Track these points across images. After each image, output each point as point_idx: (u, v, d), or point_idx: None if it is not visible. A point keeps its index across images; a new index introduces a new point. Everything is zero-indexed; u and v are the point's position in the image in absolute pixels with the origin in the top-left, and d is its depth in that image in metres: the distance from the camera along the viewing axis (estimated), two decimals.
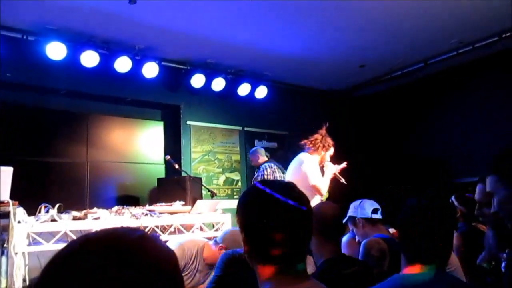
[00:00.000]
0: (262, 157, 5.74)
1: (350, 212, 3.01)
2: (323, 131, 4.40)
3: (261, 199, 1.23)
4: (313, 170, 4.16)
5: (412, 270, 1.50)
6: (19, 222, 3.24)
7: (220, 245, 3.15)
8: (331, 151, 4.39)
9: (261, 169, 5.54)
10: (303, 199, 1.25)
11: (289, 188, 1.27)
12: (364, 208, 3.01)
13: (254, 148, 5.97)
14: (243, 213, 1.26)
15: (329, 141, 4.37)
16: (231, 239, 3.14)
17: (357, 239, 3.02)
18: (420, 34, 5.58)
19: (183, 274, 3.08)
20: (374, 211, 2.99)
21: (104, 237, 0.68)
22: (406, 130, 7.36)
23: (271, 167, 5.54)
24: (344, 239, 3.13)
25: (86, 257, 0.64)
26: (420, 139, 7.13)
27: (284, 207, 1.20)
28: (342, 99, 7.98)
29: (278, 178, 5.39)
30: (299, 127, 7.43)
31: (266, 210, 1.20)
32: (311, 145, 4.34)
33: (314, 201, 4.03)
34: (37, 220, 3.33)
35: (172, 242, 3.29)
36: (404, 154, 7.13)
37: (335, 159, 4.43)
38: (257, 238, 1.22)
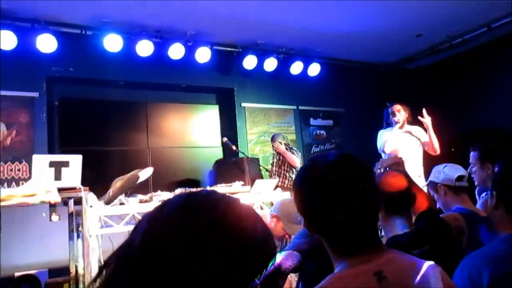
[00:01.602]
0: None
1: (432, 177, 2.70)
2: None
3: (316, 179, 1.14)
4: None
5: None
6: (91, 206, 3.44)
7: (272, 213, 3.14)
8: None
9: None
10: (362, 171, 1.16)
11: (345, 160, 1.18)
12: (448, 173, 2.67)
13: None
14: (301, 198, 1.18)
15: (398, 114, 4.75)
16: (281, 208, 3.14)
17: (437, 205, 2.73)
18: None
19: None
20: (459, 178, 2.64)
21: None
22: (468, 101, 6.99)
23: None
24: None
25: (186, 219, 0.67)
26: (484, 111, 6.74)
27: (342, 183, 1.12)
28: (398, 72, 7.71)
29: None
30: (354, 103, 7.33)
31: (324, 191, 1.12)
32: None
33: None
34: (107, 204, 3.51)
35: None
36: (467, 127, 6.81)
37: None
38: (320, 220, 1.14)
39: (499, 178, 1.56)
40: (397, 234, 1.85)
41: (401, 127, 4.72)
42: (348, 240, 1.12)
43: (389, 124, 4.81)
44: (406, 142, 4.69)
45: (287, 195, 4.30)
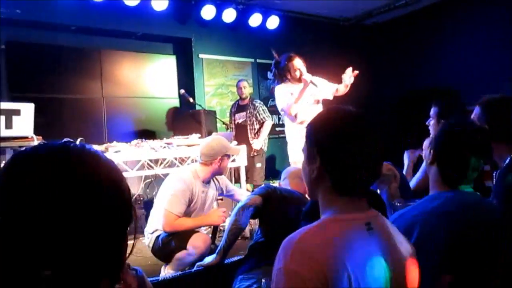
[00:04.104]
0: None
1: None
2: (276, 58, 4.27)
3: (339, 125, 1.20)
4: (277, 98, 4.17)
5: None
6: None
7: (219, 158, 3.34)
8: (297, 65, 4.11)
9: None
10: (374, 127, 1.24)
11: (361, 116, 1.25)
12: None
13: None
14: (320, 135, 1.22)
15: (290, 65, 4.13)
16: (221, 148, 3.35)
17: None
18: None
19: (193, 203, 3.25)
20: None
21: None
22: (419, 59, 7.23)
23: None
24: None
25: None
26: (434, 69, 7.00)
27: (356, 134, 1.19)
28: (355, 27, 7.81)
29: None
30: (312, 58, 7.34)
31: (348, 135, 1.18)
32: (276, 79, 4.29)
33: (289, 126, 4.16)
34: None
35: (171, 177, 3.37)
36: (417, 84, 7.08)
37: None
38: (331, 160, 1.19)
39: (437, 136, 1.68)
40: None
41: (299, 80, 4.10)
42: (355, 180, 1.18)
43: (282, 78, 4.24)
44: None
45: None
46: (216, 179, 3.56)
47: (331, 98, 4.17)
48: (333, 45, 7.40)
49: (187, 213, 3.24)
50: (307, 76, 3.97)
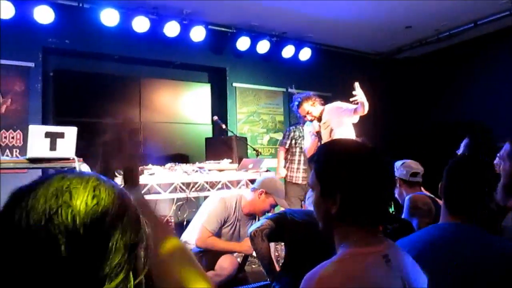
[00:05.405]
0: None
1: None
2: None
3: (356, 159, 1.22)
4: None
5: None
6: None
7: (260, 190, 3.37)
8: (306, 110, 4.44)
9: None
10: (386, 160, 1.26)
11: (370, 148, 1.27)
12: (403, 169, 3.04)
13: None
14: (340, 172, 1.21)
15: (300, 111, 4.50)
16: (270, 184, 3.38)
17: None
18: None
19: (226, 225, 3.36)
20: (413, 174, 3.01)
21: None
22: (450, 93, 7.21)
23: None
24: None
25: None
26: (466, 104, 6.95)
27: (375, 167, 1.21)
28: (386, 61, 7.90)
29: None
30: (342, 89, 7.44)
31: (363, 170, 1.20)
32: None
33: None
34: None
35: (214, 196, 3.54)
36: (447, 118, 7.05)
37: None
38: (353, 196, 1.19)
39: (447, 172, 1.72)
40: None
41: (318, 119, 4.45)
42: (377, 213, 1.22)
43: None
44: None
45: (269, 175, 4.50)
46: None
47: (355, 121, 4.31)
48: (364, 77, 7.43)
49: (218, 234, 3.35)
50: (315, 125, 4.37)
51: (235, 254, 3.73)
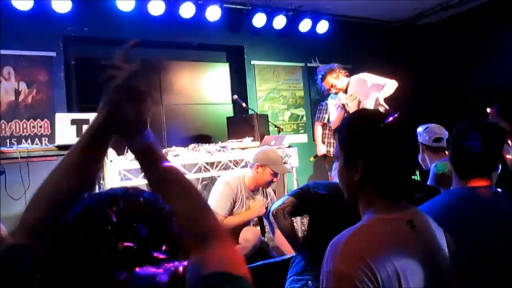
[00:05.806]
0: None
1: None
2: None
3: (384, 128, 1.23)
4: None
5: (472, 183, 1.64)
6: (111, 161, 3.72)
7: (256, 164, 3.42)
8: (330, 83, 4.44)
9: None
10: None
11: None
12: (426, 134, 2.95)
13: None
14: (361, 139, 1.24)
15: (324, 84, 4.48)
16: (263, 156, 3.42)
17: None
18: None
19: (236, 205, 3.43)
20: (437, 139, 2.93)
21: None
22: (476, 58, 6.95)
23: None
24: None
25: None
26: (492, 67, 6.71)
27: (397, 134, 1.23)
28: (407, 28, 7.72)
29: None
30: (362, 60, 7.36)
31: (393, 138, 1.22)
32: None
33: None
34: (125, 159, 3.78)
35: (219, 181, 3.61)
36: (474, 84, 6.87)
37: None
38: (374, 163, 1.21)
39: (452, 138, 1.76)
40: None
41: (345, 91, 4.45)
42: (399, 183, 1.24)
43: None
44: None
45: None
46: (266, 192, 3.73)
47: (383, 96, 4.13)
48: (385, 47, 7.38)
49: (231, 215, 3.46)
50: (341, 97, 4.31)
51: (251, 224, 3.83)
